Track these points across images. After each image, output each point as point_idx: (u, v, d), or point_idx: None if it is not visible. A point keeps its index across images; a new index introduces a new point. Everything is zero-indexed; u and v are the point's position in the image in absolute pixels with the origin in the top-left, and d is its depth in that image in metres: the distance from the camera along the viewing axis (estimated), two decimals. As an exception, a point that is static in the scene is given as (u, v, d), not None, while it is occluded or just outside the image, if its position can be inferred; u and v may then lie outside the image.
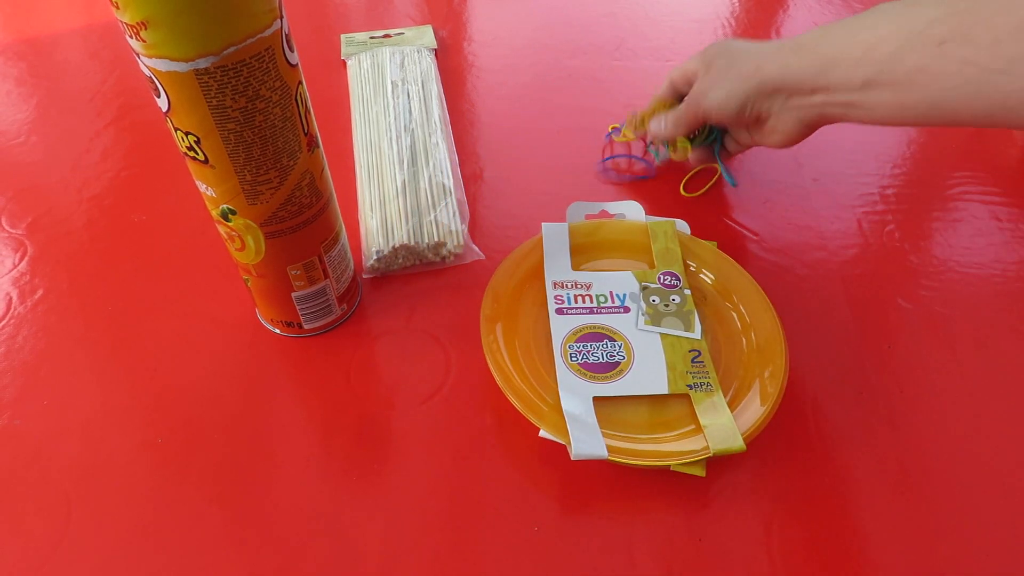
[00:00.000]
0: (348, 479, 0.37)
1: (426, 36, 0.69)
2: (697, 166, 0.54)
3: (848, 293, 0.46)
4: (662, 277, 0.44)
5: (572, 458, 0.34)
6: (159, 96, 0.31)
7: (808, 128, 0.44)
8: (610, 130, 0.58)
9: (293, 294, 0.40)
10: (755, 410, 0.37)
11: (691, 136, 0.51)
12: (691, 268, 0.45)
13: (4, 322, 0.44)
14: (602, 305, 0.42)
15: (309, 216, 0.37)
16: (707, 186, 0.53)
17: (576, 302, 0.42)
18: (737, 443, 0.35)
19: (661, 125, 0.50)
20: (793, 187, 0.54)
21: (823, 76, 0.39)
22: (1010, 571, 0.34)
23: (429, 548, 0.34)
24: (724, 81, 0.44)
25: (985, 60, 0.32)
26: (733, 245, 0.49)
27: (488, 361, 0.38)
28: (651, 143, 0.55)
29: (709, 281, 0.45)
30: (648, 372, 0.39)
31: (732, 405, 0.38)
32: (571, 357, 0.39)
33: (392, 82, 0.60)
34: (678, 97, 0.50)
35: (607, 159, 0.57)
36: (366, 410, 0.40)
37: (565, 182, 0.55)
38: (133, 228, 0.51)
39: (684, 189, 0.53)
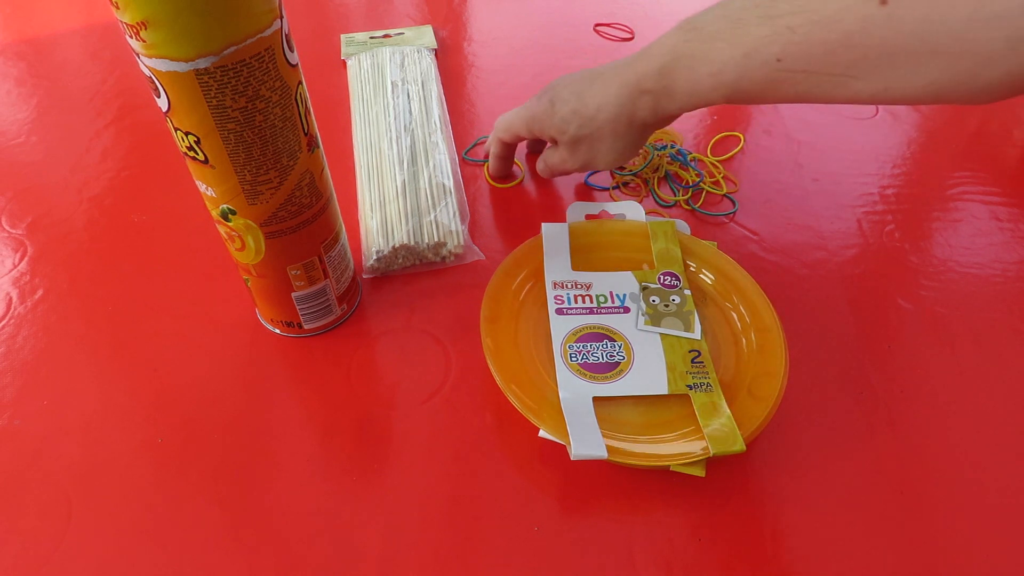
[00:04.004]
0: (348, 479, 0.37)
1: (426, 36, 0.69)
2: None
3: (848, 293, 0.46)
4: (662, 277, 0.44)
5: (572, 458, 0.34)
6: (159, 96, 0.31)
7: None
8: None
9: (293, 294, 0.40)
10: (755, 410, 0.37)
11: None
12: (691, 268, 0.45)
13: (4, 322, 0.44)
14: (602, 305, 0.42)
15: (309, 216, 0.37)
16: (686, 196, 0.53)
17: (576, 302, 0.42)
18: (737, 443, 0.35)
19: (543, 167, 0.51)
20: (793, 187, 0.54)
21: (693, 99, 0.40)
22: (1010, 571, 0.34)
23: (429, 548, 0.34)
24: (604, 144, 0.45)
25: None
26: (733, 245, 0.49)
27: (488, 361, 0.38)
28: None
29: (709, 281, 0.45)
30: (648, 372, 0.39)
31: (732, 405, 0.38)
32: (571, 357, 0.39)
33: (392, 82, 0.60)
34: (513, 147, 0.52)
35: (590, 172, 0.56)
36: (366, 410, 0.40)
37: (565, 183, 0.55)
38: (133, 228, 0.51)
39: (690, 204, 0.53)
